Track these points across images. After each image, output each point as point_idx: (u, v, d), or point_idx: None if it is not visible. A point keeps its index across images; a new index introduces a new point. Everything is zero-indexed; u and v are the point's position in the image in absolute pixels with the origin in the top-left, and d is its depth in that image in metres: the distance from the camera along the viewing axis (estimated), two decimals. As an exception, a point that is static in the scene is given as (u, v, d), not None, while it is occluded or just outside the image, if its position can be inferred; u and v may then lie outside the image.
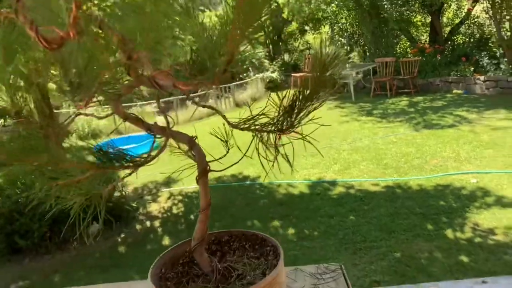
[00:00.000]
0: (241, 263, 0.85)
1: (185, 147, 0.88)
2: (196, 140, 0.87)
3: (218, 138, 0.93)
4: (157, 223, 5.12)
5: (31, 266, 4.44)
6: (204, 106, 0.93)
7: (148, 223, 5.15)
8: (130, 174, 0.81)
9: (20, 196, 4.62)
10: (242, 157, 0.98)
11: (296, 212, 4.85)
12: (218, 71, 0.66)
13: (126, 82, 0.70)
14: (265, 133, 0.85)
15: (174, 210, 5.43)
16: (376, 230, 4.23)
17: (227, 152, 0.96)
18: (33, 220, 4.48)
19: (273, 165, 0.87)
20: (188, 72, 0.68)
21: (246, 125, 0.85)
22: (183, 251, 1.01)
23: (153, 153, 0.82)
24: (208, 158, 0.94)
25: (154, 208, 5.55)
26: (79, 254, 4.57)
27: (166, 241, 4.66)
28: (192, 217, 5.11)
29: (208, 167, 0.89)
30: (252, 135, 0.89)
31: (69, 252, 4.63)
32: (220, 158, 0.97)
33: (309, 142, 0.92)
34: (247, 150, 0.92)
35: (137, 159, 0.79)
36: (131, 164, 0.78)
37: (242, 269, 0.83)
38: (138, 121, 0.79)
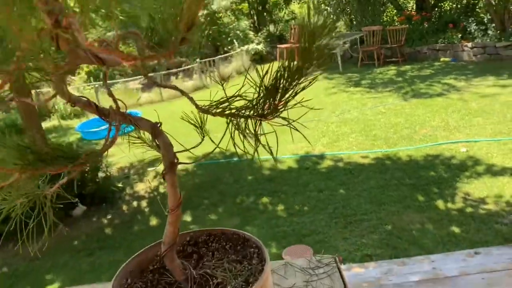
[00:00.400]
0: (220, 268, 0.73)
1: (148, 136, 0.75)
2: (161, 127, 0.74)
3: (192, 123, 0.80)
4: (144, 203, 5.01)
5: (15, 251, 4.32)
6: (166, 87, 0.79)
7: (135, 203, 5.04)
8: (75, 172, 0.68)
9: None
10: (214, 149, 0.86)
11: (284, 188, 4.77)
12: (174, 40, 0.52)
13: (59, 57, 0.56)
14: (242, 119, 0.72)
15: (161, 189, 5.32)
16: (367, 203, 4.18)
17: (202, 140, 0.84)
18: (15, 204, 4.34)
19: (253, 156, 0.75)
20: (145, 43, 0.55)
21: (219, 109, 0.72)
22: (153, 256, 0.89)
23: (106, 144, 0.69)
24: (180, 146, 0.81)
25: (140, 188, 5.43)
26: (64, 237, 4.46)
27: (153, 221, 4.56)
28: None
29: (176, 159, 0.77)
30: (227, 122, 0.76)
31: (54, 235, 4.51)
32: (193, 148, 0.85)
33: (296, 129, 0.80)
34: (220, 141, 0.80)
35: (84, 155, 0.66)
36: (70, 163, 0.65)
37: (222, 277, 0.71)
38: (89, 106, 0.65)
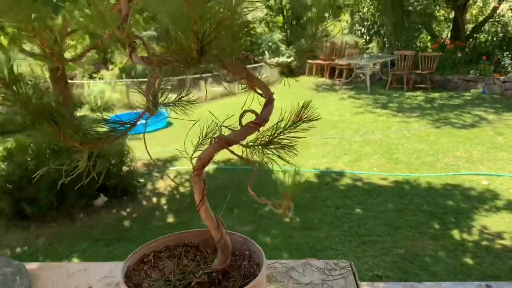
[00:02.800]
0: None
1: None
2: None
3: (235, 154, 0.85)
4: (163, 200, 5.14)
5: (37, 232, 4.49)
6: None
7: (154, 200, 5.17)
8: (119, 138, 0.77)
9: (30, 164, 4.65)
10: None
11: (302, 201, 4.82)
12: (190, 50, 0.61)
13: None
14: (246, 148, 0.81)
15: (181, 189, 5.44)
16: (382, 224, 4.20)
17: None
18: (42, 188, 4.51)
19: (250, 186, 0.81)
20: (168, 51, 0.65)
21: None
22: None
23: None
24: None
25: (161, 185, 5.57)
26: (84, 226, 4.61)
27: (170, 219, 4.68)
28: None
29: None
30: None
31: (75, 222, 4.66)
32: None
33: (283, 161, 0.86)
34: (243, 152, 0.86)
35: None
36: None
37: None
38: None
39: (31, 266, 1.13)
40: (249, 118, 0.79)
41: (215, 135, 0.78)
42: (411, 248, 3.79)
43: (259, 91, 0.76)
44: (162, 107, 0.83)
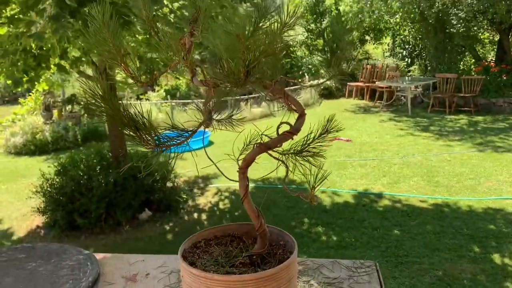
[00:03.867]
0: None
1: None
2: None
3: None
4: (204, 216, 5.33)
5: (86, 243, 4.77)
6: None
7: (195, 215, 5.38)
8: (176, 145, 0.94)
9: (82, 177, 4.99)
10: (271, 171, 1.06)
11: (339, 221, 4.88)
12: (239, 74, 0.77)
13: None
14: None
15: (221, 206, 5.63)
16: (420, 246, 4.19)
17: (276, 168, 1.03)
18: (92, 201, 4.82)
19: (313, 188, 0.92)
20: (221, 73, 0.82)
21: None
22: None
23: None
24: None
25: (202, 201, 5.78)
26: (129, 238, 4.86)
27: (211, 234, 4.85)
28: (236, 213, 5.27)
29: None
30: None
31: (121, 234, 4.93)
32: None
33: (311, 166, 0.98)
34: (277, 167, 0.99)
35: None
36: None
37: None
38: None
39: (99, 255, 1.32)
40: (285, 128, 0.94)
41: (257, 142, 0.94)
42: (449, 271, 3.77)
43: (293, 107, 0.92)
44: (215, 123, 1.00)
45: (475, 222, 4.66)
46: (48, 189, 5.07)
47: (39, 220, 5.32)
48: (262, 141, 0.90)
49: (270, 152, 0.91)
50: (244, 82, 0.77)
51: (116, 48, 0.84)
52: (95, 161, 5.20)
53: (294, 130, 0.88)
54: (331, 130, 0.92)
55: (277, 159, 0.93)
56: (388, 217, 4.91)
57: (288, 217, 5.10)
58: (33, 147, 8.91)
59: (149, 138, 0.87)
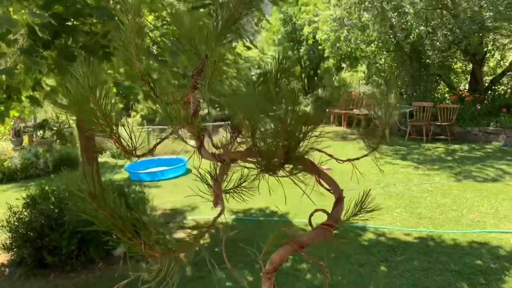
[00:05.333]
0: None
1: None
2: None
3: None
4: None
5: (56, 283, 4.45)
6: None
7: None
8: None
9: (53, 211, 4.68)
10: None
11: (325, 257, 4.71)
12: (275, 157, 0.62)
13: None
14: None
15: (200, 241, 5.37)
16: (409, 284, 4.06)
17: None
18: (63, 237, 4.51)
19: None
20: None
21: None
22: None
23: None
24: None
25: (180, 235, 5.51)
26: (103, 276, 4.55)
27: (189, 271, 4.59)
28: (217, 249, 5.03)
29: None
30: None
31: (94, 272, 4.62)
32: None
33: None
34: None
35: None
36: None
37: None
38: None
39: None
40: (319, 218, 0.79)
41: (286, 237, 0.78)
42: (440, 311, 3.63)
43: (326, 186, 0.77)
44: (225, 193, 0.84)
45: (461, 257, 4.57)
46: (15, 223, 4.74)
47: (4, 257, 4.95)
48: (294, 236, 0.74)
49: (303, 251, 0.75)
50: (280, 167, 0.63)
51: (105, 116, 0.67)
52: (66, 193, 4.90)
53: (334, 221, 0.72)
54: (367, 210, 0.77)
55: (317, 263, 0.77)
56: (373, 252, 4.77)
57: (271, 252, 4.89)
58: (1, 175, 8.48)
59: (155, 244, 0.70)
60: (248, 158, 0.67)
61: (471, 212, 5.84)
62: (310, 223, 0.76)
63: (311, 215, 0.76)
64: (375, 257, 4.65)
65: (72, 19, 2.61)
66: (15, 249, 4.70)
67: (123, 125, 0.75)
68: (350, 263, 4.54)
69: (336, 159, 0.96)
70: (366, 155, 1.00)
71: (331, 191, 0.77)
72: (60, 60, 2.40)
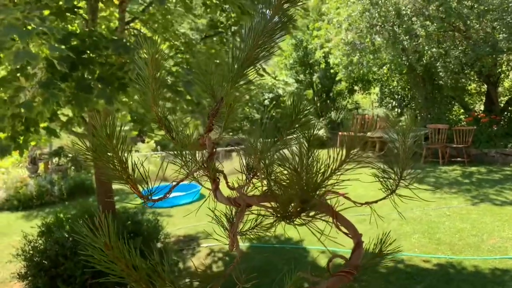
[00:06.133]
0: None
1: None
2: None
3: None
4: (195, 282, 5.00)
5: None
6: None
7: (187, 280, 5.04)
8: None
9: (67, 240, 4.68)
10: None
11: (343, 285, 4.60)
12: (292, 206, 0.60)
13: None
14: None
15: (214, 268, 5.32)
16: (430, 315, 3.93)
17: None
18: (77, 266, 4.49)
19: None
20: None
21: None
22: None
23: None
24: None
25: (193, 263, 5.46)
26: (117, 306, 4.50)
27: (204, 301, 4.52)
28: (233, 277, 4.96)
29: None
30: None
31: (108, 302, 4.56)
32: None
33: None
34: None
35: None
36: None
37: None
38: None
39: None
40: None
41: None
42: None
43: (344, 230, 0.75)
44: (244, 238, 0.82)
45: (484, 285, 4.43)
46: (30, 251, 4.74)
47: (19, 286, 4.94)
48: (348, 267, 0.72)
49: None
50: (297, 215, 0.61)
51: (122, 163, 0.67)
52: (81, 222, 4.90)
53: (353, 268, 0.70)
54: (387, 252, 0.74)
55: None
56: (392, 281, 4.65)
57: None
58: (16, 202, 8.55)
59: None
60: (264, 203, 0.65)
61: (491, 237, 5.69)
62: (328, 269, 0.74)
63: (330, 261, 0.73)
64: (393, 286, 4.53)
65: (88, 52, 2.67)
66: (29, 278, 4.69)
67: (138, 169, 0.75)
68: (368, 292, 4.42)
69: (354, 202, 0.94)
70: (384, 198, 0.97)
71: (349, 236, 0.74)
72: (77, 91, 2.44)
